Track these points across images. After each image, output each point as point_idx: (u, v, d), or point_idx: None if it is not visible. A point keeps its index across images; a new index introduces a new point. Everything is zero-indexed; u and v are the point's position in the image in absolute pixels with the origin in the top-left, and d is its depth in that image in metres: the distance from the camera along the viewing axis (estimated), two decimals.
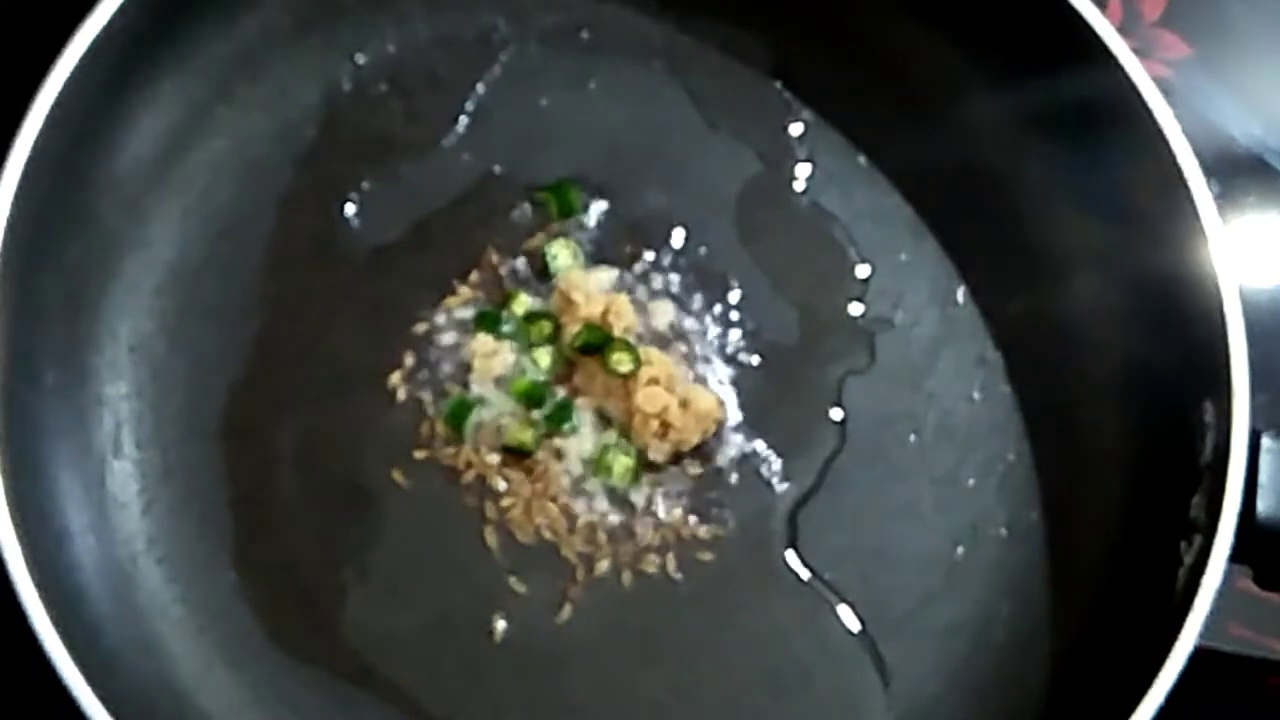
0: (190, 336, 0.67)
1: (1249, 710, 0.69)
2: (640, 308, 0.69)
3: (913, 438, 0.69)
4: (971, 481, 0.69)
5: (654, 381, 0.66)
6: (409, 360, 0.68)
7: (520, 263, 0.69)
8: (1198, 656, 0.59)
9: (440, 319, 0.68)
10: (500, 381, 0.67)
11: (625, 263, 0.69)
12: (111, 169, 0.65)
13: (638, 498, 0.67)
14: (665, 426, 0.66)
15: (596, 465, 0.67)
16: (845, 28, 0.71)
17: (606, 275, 0.69)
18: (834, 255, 0.71)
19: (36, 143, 0.59)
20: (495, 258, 0.69)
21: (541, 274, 0.69)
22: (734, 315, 0.69)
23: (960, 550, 0.68)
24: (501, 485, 0.67)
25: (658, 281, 0.69)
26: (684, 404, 0.66)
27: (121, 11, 0.61)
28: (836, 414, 0.69)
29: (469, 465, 0.67)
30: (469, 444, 0.67)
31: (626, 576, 0.66)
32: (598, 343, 0.67)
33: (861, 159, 0.72)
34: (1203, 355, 0.62)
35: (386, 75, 0.70)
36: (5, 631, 0.56)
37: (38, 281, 0.61)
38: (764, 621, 0.67)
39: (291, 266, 0.68)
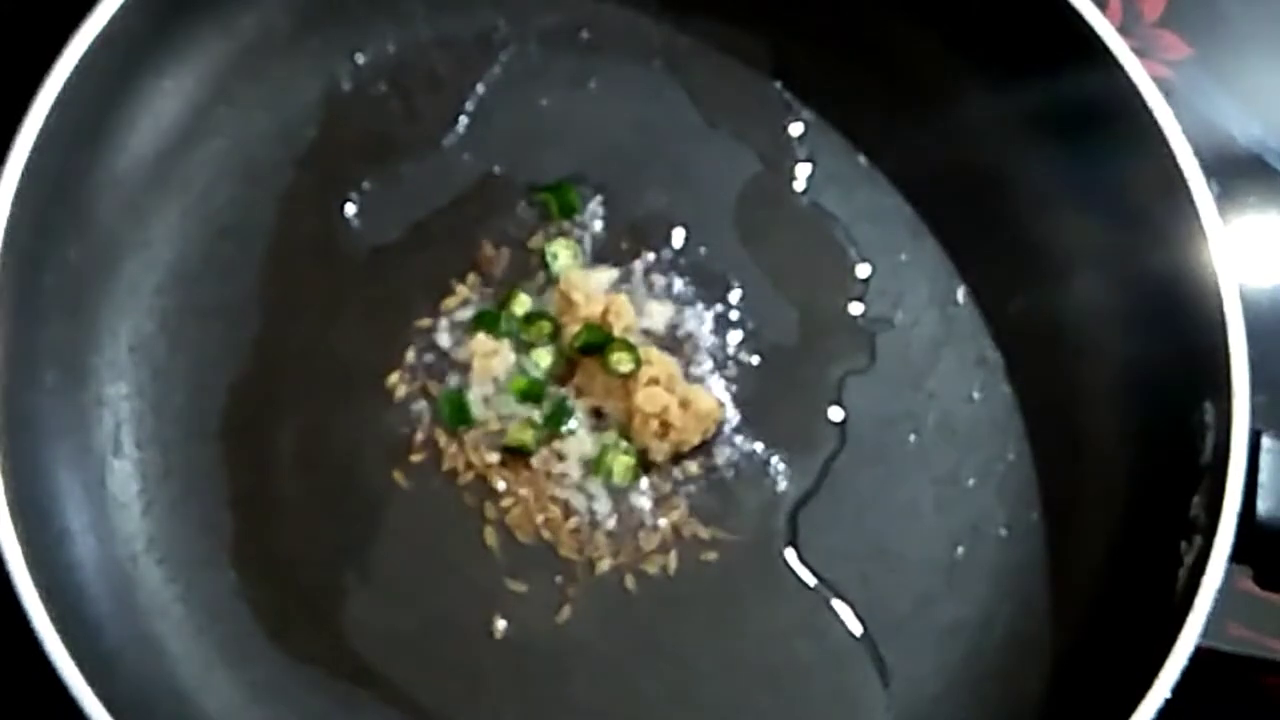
0: (190, 336, 0.67)
1: (1249, 710, 0.69)
2: (640, 308, 0.69)
3: (913, 438, 0.69)
4: (971, 481, 0.69)
5: (654, 381, 0.66)
6: (409, 360, 0.68)
7: (520, 263, 0.69)
8: (1198, 656, 0.59)
9: (440, 319, 0.68)
10: (500, 381, 0.67)
11: (625, 263, 0.69)
12: (111, 169, 0.65)
13: (638, 498, 0.67)
14: (665, 426, 0.66)
15: (596, 465, 0.67)
16: (845, 28, 0.71)
17: (606, 275, 0.69)
18: (834, 255, 0.71)
19: (36, 143, 0.59)
20: (495, 258, 0.69)
21: (541, 274, 0.69)
22: (734, 315, 0.69)
23: (960, 550, 0.68)
24: (501, 485, 0.67)
25: (658, 281, 0.69)
26: (684, 404, 0.66)
27: (121, 11, 0.61)
28: (836, 414, 0.69)
29: (469, 466, 0.67)
30: (468, 444, 0.67)
31: (626, 576, 0.66)
32: (598, 342, 0.67)
33: (861, 159, 0.72)
34: (1203, 355, 0.62)
35: (386, 75, 0.70)
36: (5, 631, 0.56)
37: (38, 281, 0.61)
38: (764, 621, 0.67)
39: (291, 266, 0.68)
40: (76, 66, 0.60)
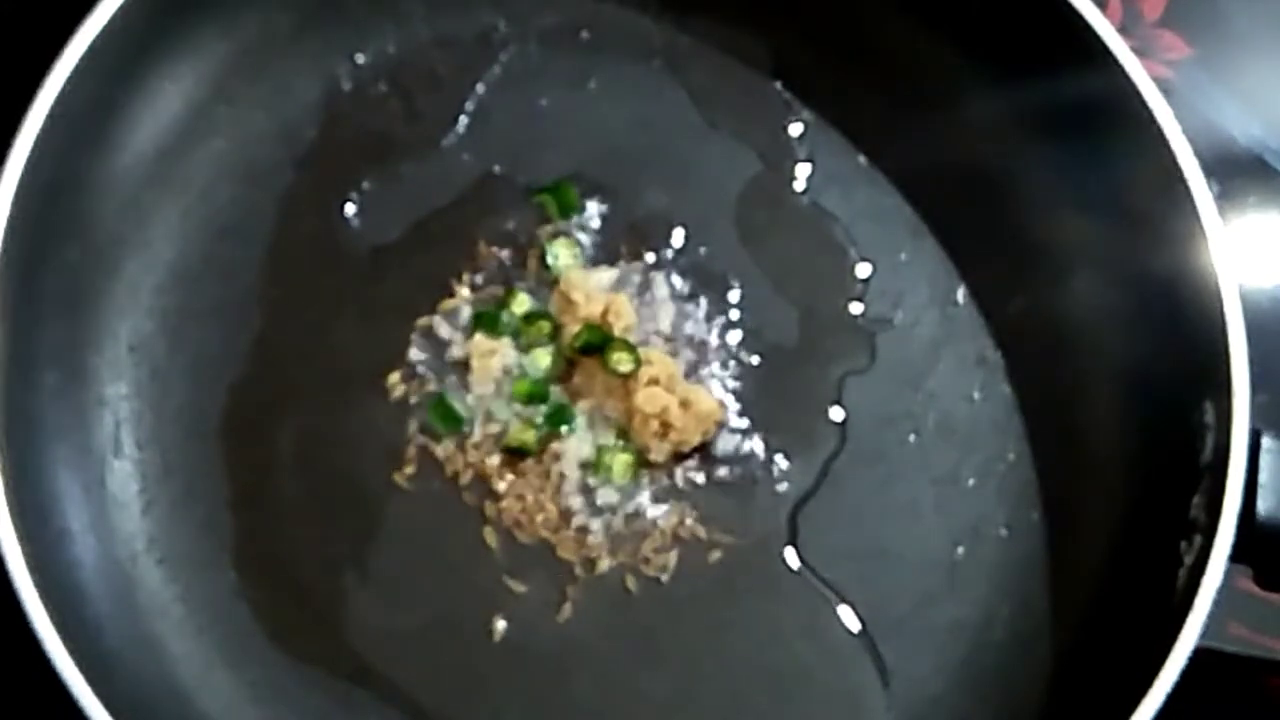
0: (190, 336, 0.67)
1: (1249, 710, 0.69)
2: (640, 308, 0.69)
3: (913, 438, 0.69)
4: (971, 481, 0.69)
5: (654, 382, 0.66)
6: (409, 360, 0.68)
7: (519, 262, 0.69)
8: (1198, 656, 0.59)
9: (439, 319, 0.68)
10: (500, 382, 0.67)
11: (625, 263, 0.69)
12: (111, 169, 0.65)
13: (638, 498, 0.67)
14: (665, 427, 0.66)
15: (596, 464, 0.67)
16: (845, 28, 0.71)
17: (606, 275, 0.69)
18: (834, 255, 0.71)
19: (36, 143, 0.59)
20: (494, 258, 0.69)
21: (541, 274, 0.69)
22: (734, 315, 0.69)
23: (960, 550, 0.68)
24: (501, 486, 0.67)
25: (657, 281, 0.69)
26: (684, 404, 0.66)
27: (121, 11, 0.61)
28: (836, 414, 0.69)
29: (468, 466, 0.67)
30: (468, 445, 0.67)
31: (626, 576, 0.66)
32: (598, 343, 0.67)
33: (861, 159, 0.72)
34: (1203, 355, 0.62)
35: (386, 75, 0.70)
36: (5, 631, 0.56)
37: (38, 281, 0.61)
38: (764, 621, 0.67)
39: (291, 266, 0.68)
40: (76, 66, 0.60)
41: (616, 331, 0.67)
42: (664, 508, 0.67)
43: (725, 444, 0.68)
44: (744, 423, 0.68)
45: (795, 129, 0.72)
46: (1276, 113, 0.78)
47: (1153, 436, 0.65)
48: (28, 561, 0.56)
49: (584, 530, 0.66)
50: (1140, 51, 0.66)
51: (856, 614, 0.67)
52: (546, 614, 0.66)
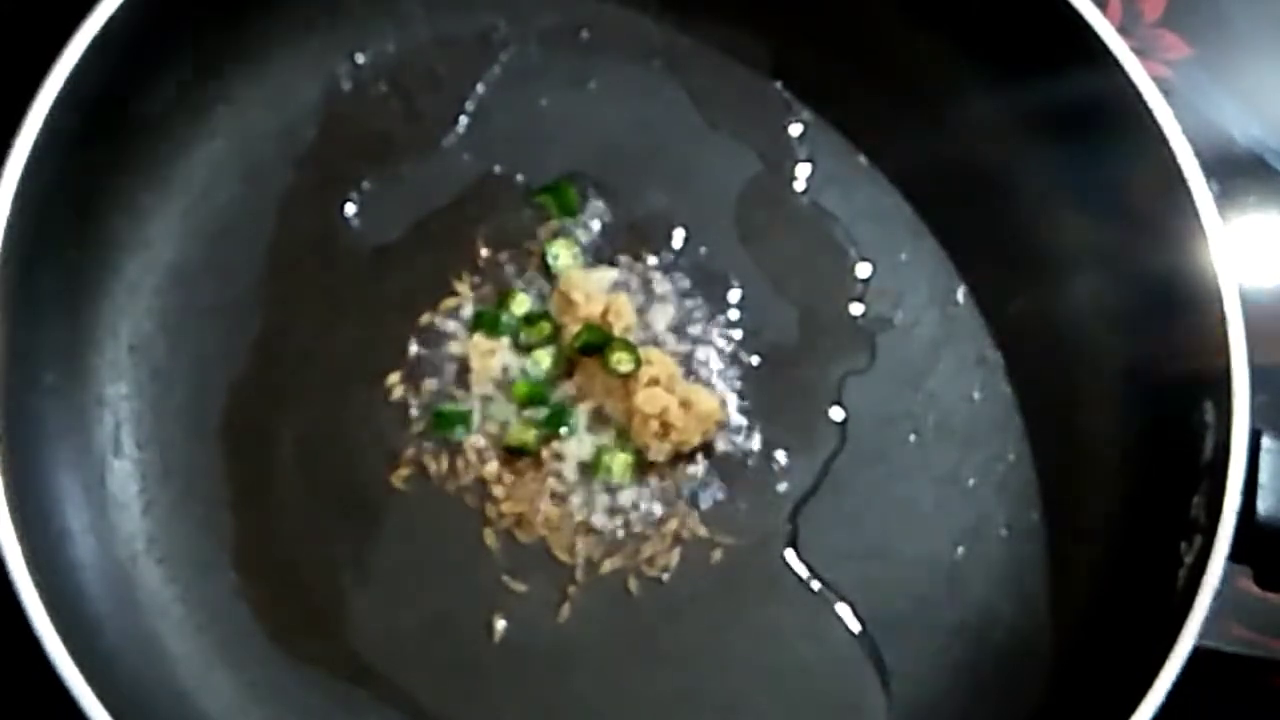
0: (190, 336, 0.67)
1: (1249, 710, 0.69)
2: (641, 308, 0.69)
3: (913, 438, 0.69)
4: (971, 481, 0.69)
5: (654, 382, 0.66)
6: (408, 360, 0.68)
7: (519, 262, 0.69)
8: (1198, 656, 0.59)
9: (439, 319, 0.68)
10: (499, 381, 0.67)
11: (626, 262, 0.69)
12: (112, 169, 0.65)
13: (637, 498, 0.67)
14: (665, 427, 0.66)
15: (595, 465, 0.67)
16: (845, 28, 0.71)
17: (606, 275, 0.69)
18: (834, 255, 0.71)
19: (36, 143, 0.59)
20: (494, 258, 0.69)
21: (541, 274, 0.69)
22: (734, 315, 0.69)
23: (960, 550, 0.68)
24: (500, 488, 0.67)
25: (657, 281, 0.69)
26: (684, 404, 0.66)
27: (121, 11, 0.61)
28: (837, 414, 0.69)
29: (468, 467, 0.67)
30: (467, 446, 0.67)
31: (626, 576, 0.66)
32: (598, 343, 0.67)
33: (861, 159, 0.72)
34: (1203, 355, 0.62)
35: (386, 75, 0.70)
36: (5, 631, 0.56)
37: (38, 281, 0.61)
38: (764, 621, 0.67)
39: (291, 266, 0.68)
40: (76, 66, 0.60)
41: (616, 331, 0.67)
42: (664, 508, 0.67)
43: (725, 444, 0.68)
44: (744, 422, 0.68)
45: (795, 129, 0.72)
46: (1276, 113, 0.78)
47: (1153, 436, 0.65)
48: (28, 561, 0.56)
49: (584, 531, 0.66)
50: (1140, 51, 0.66)
51: (856, 614, 0.67)
52: (546, 614, 0.66)
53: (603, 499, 0.67)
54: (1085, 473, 0.68)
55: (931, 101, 0.71)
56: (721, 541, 0.67)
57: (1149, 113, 0.64)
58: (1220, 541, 0.60)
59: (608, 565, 0.66)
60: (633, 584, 0.66)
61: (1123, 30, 0.67)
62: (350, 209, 0.69)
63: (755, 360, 0.69)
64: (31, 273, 0.60)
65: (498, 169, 0.70)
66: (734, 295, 0.70)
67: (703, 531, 0.67)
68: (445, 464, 0.67)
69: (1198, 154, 0.64)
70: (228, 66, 0.68)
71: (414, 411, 0.67)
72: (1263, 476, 0.61)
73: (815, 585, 0.67)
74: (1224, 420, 0.61)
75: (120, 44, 0.61)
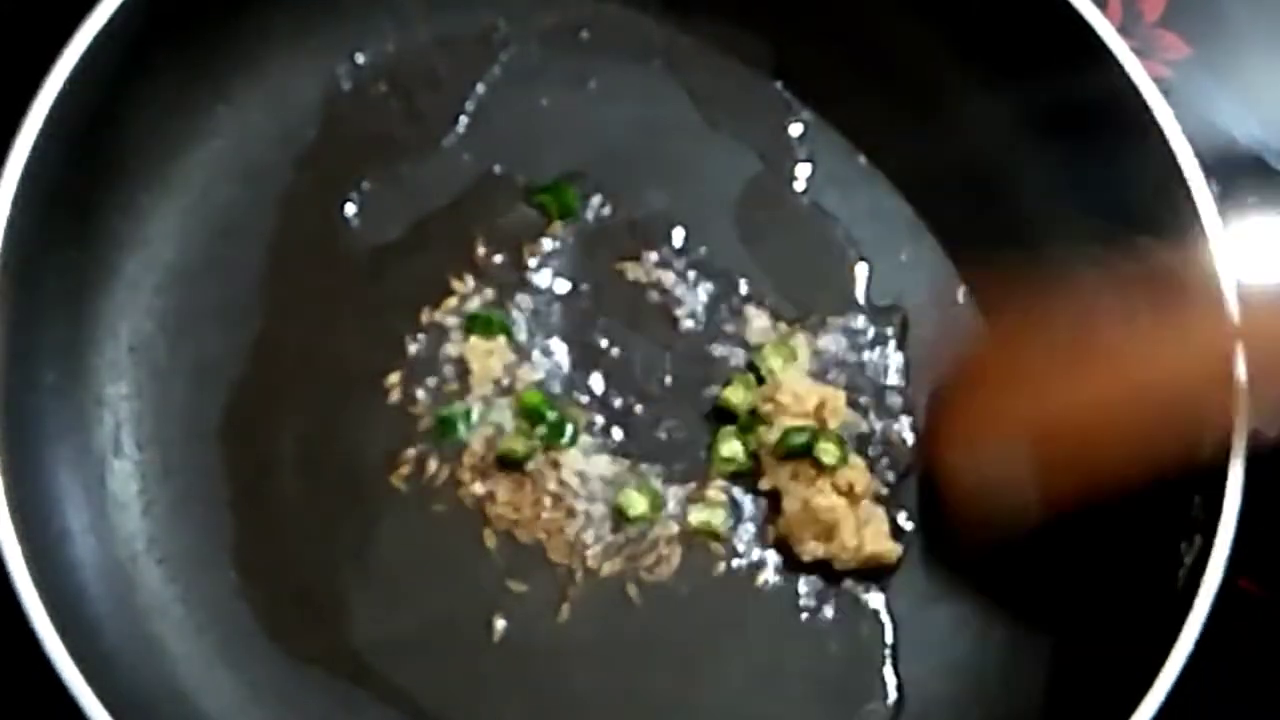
0: (190, 336, 0.67)
1: (1249, 710, 0.69)
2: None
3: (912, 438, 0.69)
4: None
5: (850, 490, 0.65)
6: (408, 360, 0.67)
7: (517, 263, 0.69)
8: (1198, 656, 0.59)
9: (439, 318, 0.68)
10: (500, 382, 0.67)
11: (626, 262, 0.69)
12: (111, 169, 0.65)
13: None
14: (829, 536, 0.65)
15: (616, 508, 0.66)
16: (845, 28, 0.71)
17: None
18: (834, 255, 0.71)
19: (36, 143, 0.59)
20: (493, 258, 0.69)
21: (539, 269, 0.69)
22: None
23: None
24: (501, 490, 0.66)
25: (658, 280, 0.69)
26: (860, 525, 0.65)
27: (121, 11, 0.61)
28: None
29: (468, 469, 0.66)
30: (467, 453, 0.67)
31: (627, 577, 0.66)
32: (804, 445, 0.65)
33: (861, 159, 0.72)
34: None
35: (386, 75, 0.70)
36: (5, 631, 0.56)
37: (38, 281, 0.61)
38: (764, 622, 0.67)
39: (291, 266, 0.68)
40: (76, 66, 0.60)
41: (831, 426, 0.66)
42: (665, 510, 0.67)
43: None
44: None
45: (795, 129, 0.72)
46: (1276, 113, 0.78)
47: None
48: (28, 561, 0.56)
49: (583, 534, 0.66)
50: (1140, 51, 0.66)
51: (858, 614, 0.67)
52: (546, 614, 0.66)
53: (602, 502, 0.67)
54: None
55: (932, 102, 0.71)
56: (721, 541, 0.67)
57: (1149, 113, 0.64)
58: (1220, 541, 0.60)
59: (608, 566, 0.66)
60: (633, 585, 0.66)
61: (1123, 30, 0.67)
62: (350, 209, 0.69)
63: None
64: (31, 272, 0.60)
65: (498, 169, 0.70)
66: (734, 295, 0.69)
67: (703, 532, 0.67)
68: (446, 465, 0.67)
69: (1198, 154, 0.64)
70: (227, 66, 0.68)
71: (414, 410, 0.67)
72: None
73: (816, 585, 0.67)
74: (1224, 420, 0.61)
75: (120, 44, 0.61)
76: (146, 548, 0.65)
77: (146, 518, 0.65)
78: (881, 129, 0.71)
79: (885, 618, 0.67)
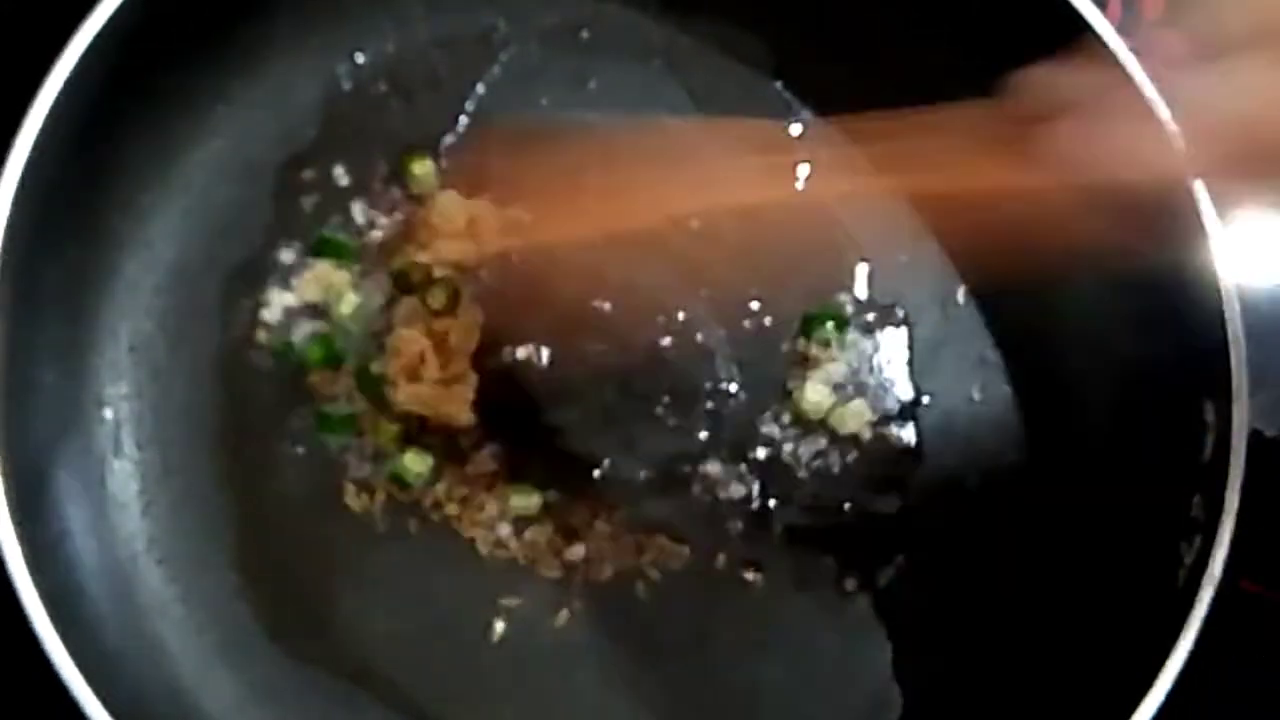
0: (190, 336, 0.67)
1: (1249, 709, 0.69)
2: None
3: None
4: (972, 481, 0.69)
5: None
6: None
7: None
8: (1198, 655, 0.59)
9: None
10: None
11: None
12: (111, 169, 0.65)
13: (639, 499, 0.67)
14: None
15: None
16: (845, 28, 0.71)
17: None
18: (834, 255, 0.71)
19: (36, 143, 0.59)
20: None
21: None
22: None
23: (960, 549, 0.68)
24: (470, 511, 0.66)
25: None
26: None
27: (121, 11, 0.61)
28: None
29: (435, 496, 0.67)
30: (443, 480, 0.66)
31: (625, 578, 0.66)
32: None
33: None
34: (1203, 355, 0.62)
35: (386, 75, 0.70)
36: (5, 631, 0.56)
37: (38, 281, 0.61)
38: (764, 622, 0.67)
39: None
40: (76, 66, 0.60)
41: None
42: (665, 509, 0.67)
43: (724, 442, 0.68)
44: None
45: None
46: None
47: (1153, 436, 0.65)
48: (28, 561, 0.56)
49: (577, 538, 0.66)
50: (1140, 51, 0.65)
51: (859, 613, 0.67)
52: (545, 615, 0.66)
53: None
54: (1086, 473, 0.67)
55: (932, 101, 0.71)
56: (721, 543, 0.67)
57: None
58: (1220, 541, 0.60)
59: (607, 567, 0.66)
60: (631, 584, 0.66)
61: (1122, 30, 0.67)
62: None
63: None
64: (31, 272, 0.60)
65: None
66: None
67: (702, 533, 0.67)
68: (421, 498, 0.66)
69: None
70: (227, 66, 0.68)
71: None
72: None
73: (815, 585, 0.67)
74: (1224, 420, 0.61)
75: (120, 44, 0.61)
76: (146, 548, 0.65)
77: (146, 518, 0.65)
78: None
79: (885, 618, 0.67)
